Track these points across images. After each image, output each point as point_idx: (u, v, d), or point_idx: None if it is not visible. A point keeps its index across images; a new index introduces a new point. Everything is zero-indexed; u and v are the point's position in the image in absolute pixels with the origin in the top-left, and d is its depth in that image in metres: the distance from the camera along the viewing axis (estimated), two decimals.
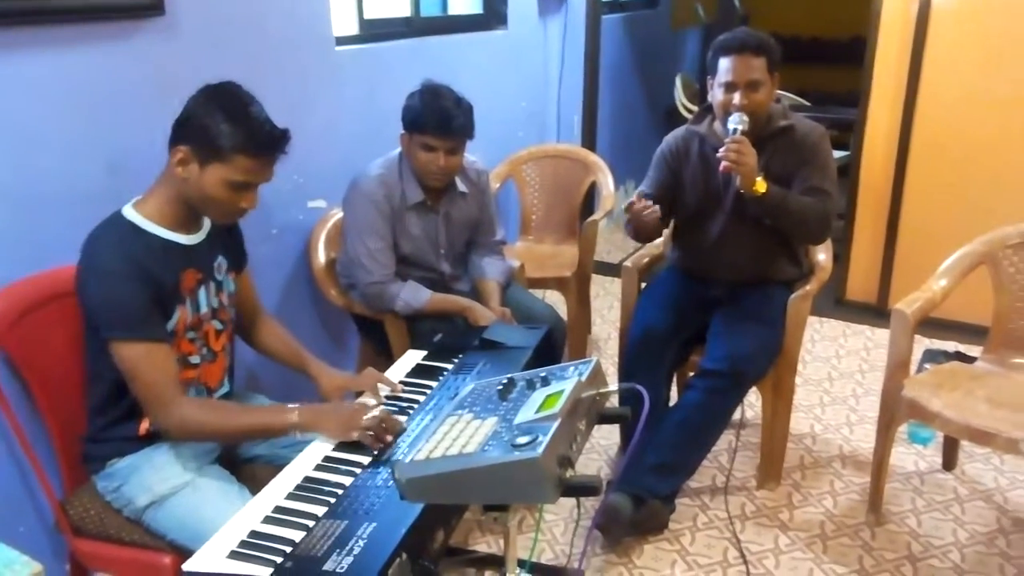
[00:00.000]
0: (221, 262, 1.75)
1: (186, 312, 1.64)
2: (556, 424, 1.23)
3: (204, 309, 1.69)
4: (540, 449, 1.16)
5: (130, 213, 1.60)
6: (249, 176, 1.57)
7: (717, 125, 2.39)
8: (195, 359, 1.69)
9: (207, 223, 1.71)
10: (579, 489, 1.22)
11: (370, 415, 1.59)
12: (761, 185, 2.22)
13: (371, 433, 1.57)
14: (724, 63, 2.28)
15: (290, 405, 1.64)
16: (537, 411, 1.30)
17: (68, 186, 1.87)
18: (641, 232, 2.39)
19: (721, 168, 2.21)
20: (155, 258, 1.57)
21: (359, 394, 1.85)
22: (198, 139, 1.54)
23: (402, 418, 1.67)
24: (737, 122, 2.22)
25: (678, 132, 2.54)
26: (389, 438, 1.58)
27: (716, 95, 2.32)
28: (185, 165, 1.56)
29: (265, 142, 1.56)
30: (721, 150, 2.21)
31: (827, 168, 2.36)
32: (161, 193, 1.62)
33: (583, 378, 1.38)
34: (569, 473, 1.21)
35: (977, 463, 2.65)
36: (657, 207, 2.25)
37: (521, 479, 1.17)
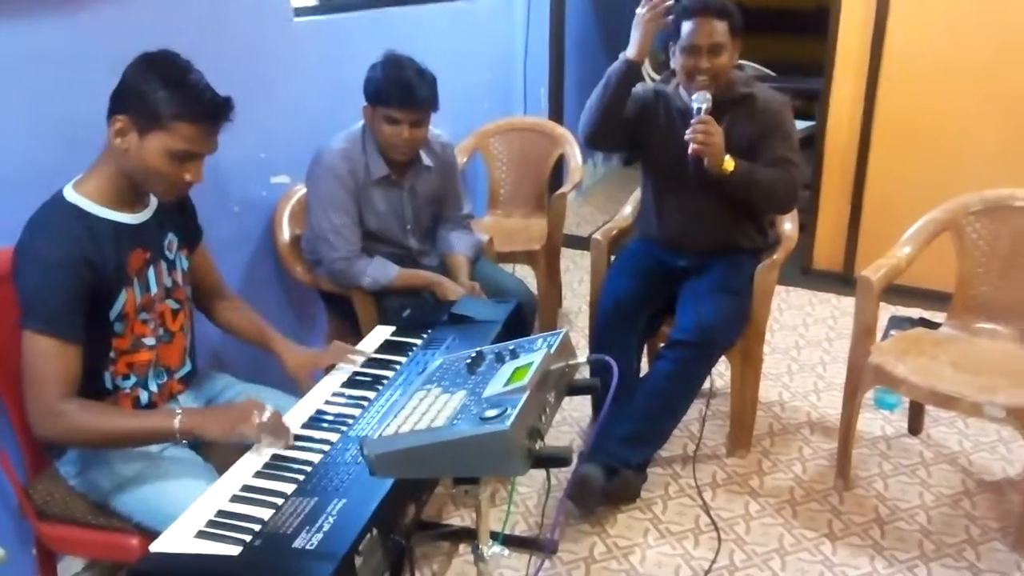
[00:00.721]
0: (172, 239, 1.71)
1: (133, 293, 1.59)
2: (525, 396, 1.22)
3: (155, 289, 1.64)
4: (509, 422, 1.16)
5: (71, 195, 1.54)
6: (191, 145, 1.51)
7: (681, 90, 2.38)
8: (150, 340, 1.64)
9: (153, 201, 1.66)
10: (549, 460, 1.22)
11: (261, 418, 1.50)
12: (729, 163, 2.22)
13: (265, 436, 1.50)
14: (687, 26, 2.26)
15: (177, 410, 1.56)
16: (506, 384, 1.29)
17: (24, 163, 1.81)
18: (603, 120, 2.33)
19: (690, 151, 2.20)
20: (98, 242, 1.51)
21: (329, 369, 1.83)
22: (136, 107, 1.49)
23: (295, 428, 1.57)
24: (701, 101, 2.21)
25: (646, 85, 2.52)
26: (286, 443, 1.50)
27: (679, 59, 2.31)
28: (124, 135, 1.50)
29: (206, 109, 1.51)
30: (687, 132, 2.20)
31: (791, 138, 2.37)
32: (102, 170, 1.56)
33: (552, 350, 1.37)
34: (539, 445, 1.21)
35: (942, 427, 2.70)
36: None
37: (491, 452, 1.16)
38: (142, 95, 1.48)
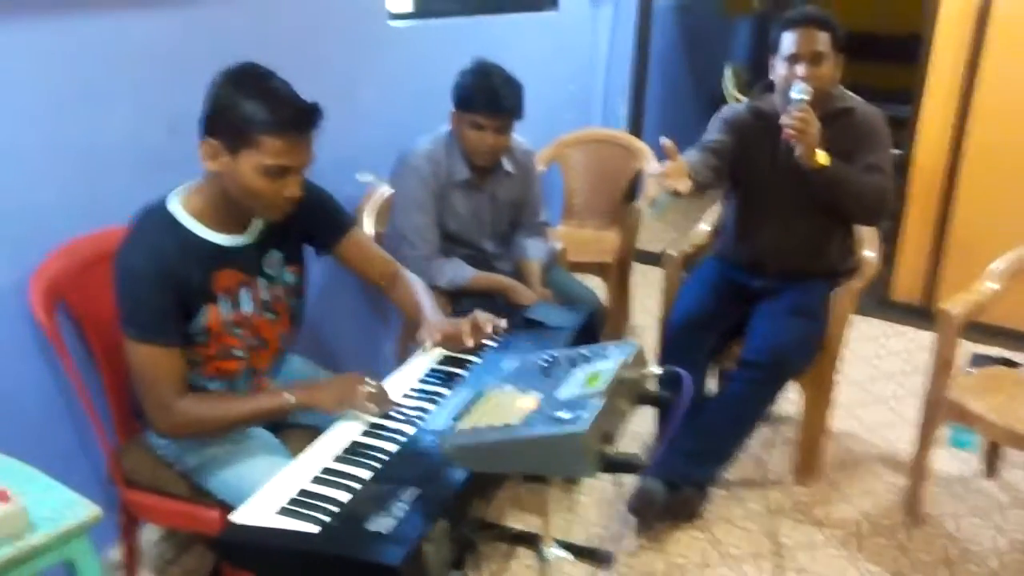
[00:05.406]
0: (274, 257, 1.71)
1: (218, 311, 1.60)
2: (600, 401, 1.25)
3: (248, 308, 1.66)
4: (584, 424, 1.18)
5: (174, 205, 1.57)
6: (282, 159, 1.48)
7: (777, 99, 2.34)
8: (239, 352, 1.68)
9: (257, 223, 1.65)
10: (620, 465, 1.24)
11: (366, 390, 1.56)
12: (823, 157, 2.18)
13: (371, 404, 1.55)
14: (789, 36, 2.25)
15: (286, 390, 1.62)
16: (581, 388, 1.31)
17: (130, 146, 1.92)
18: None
19: (783, 135, 2.18)
20: (187, 258, 1.54)
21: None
22: (223, 127, 1.48)
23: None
24: (800, 92, 2.17)
25: (738, 106, 2.51)
26: (388, 410, 1.56)
27: (779, 69, 2.29)
28: (216, 158, 1.50)
29: (291, 118, 1.47)
30: (783, 117, 2.18)
31: (885, 149, 2.34)
32: (205, 190, 1.57)
33: (627, 358, 1.39)
34: (610, 449, 1.23)
35: (1019, 471, 2.60)
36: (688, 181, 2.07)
37: (564, 452, 1.19)
38: (226, 113, 1.47)
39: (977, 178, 3.45)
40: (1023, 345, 3.13)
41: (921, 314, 3.60)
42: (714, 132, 2.45)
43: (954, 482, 2.55)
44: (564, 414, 1.23)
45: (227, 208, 1.58)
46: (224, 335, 1.64)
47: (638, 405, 1.45)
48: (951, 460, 2.65)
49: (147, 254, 1.51)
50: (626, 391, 1.36)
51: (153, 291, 1.51)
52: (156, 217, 1.56)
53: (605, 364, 1.37)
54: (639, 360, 1.43)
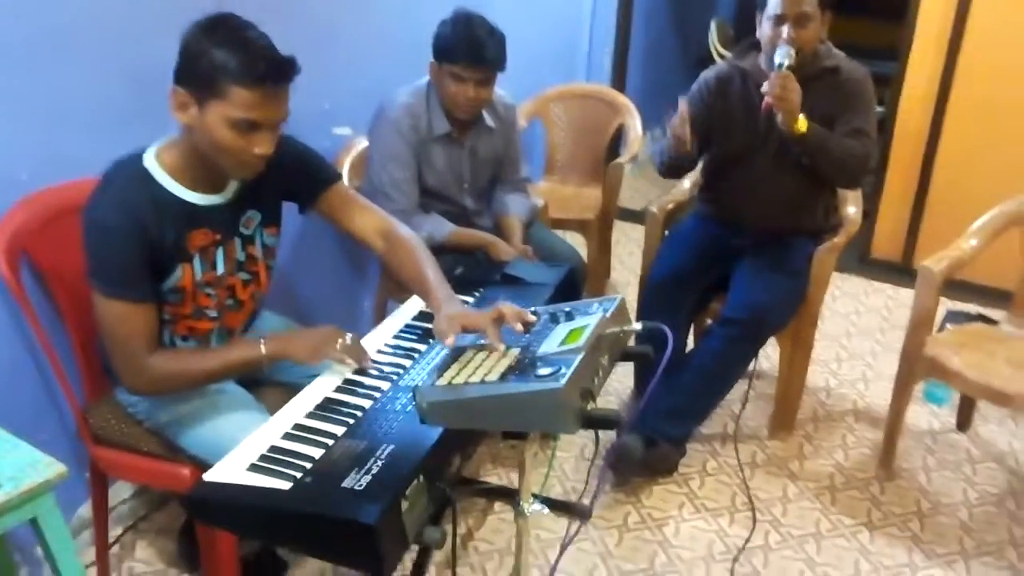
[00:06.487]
0: (251, 216, 1.65)
1: (192, 270, 1.56)
2: (580, 357, 1.23)
3: (222, 268, 1.61)
4: (563, 380, 1.17)
5: (149, 160, 1.51)
6: (252, 112, 1.40)
7: (763, 59, 2.32)
8: (212, 312, 1.64)
9: (235, 184, 1.59)
10: (599, 422, 1.23)
11: (342, 342, 1.52)
12: (803, 124, 2.16)
13: (347, 357, 1.52)
14: None
15: (259, 339, 1.57)
16: (561, 344, 1.29)
17: (96, 98, 1.85)
18: (674, 163, 2.34)
19: (764, 104, 2.15)
20: (160, 214, 1.48)
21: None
22: (192, 76, 1.40)
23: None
24: (784, 56, 2.15)
25: (720, 66, 2.47)
26: (365, 363, 1.52)
27: (764, 29, 2.25)
28: (185, 109, 1.43)
29: (263, 69, 1.38)
30: (765, 85, 2.15)
31: (869, 111, 2.32)
32: (179, 146, 1.51)
33: (607, 315, 1.37)
34: (590, 406, 1.21)
35: (991, 425, 2.64)
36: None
37: (543, 409, 1.18)
38: (196, 61, 1.39)
39: (960, 136, 3.44)
40: (996, 302, 3.14)
41: (901, 271, 3.62)
42: (687, 104, 2.42)
43: (926, 436, 2.58)
44: (543, 370, 1.21)
45: (202, 166, 1.51)
46: (197, 295, 1.60)
47: (619, 361, 1.44)
48: (924, 414, 2.68)
49: (118, 208, 1.46)
50: (607, 347, 1.35)
51: (123, 246, 1.46)
52: (130, 171, 1.51)
53: (586, 320, 1.36)
54: (621, 315, 1.41)
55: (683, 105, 2.19)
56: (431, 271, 1.66)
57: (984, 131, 3.38)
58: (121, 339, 1.50)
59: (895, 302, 3.46)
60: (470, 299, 1.94)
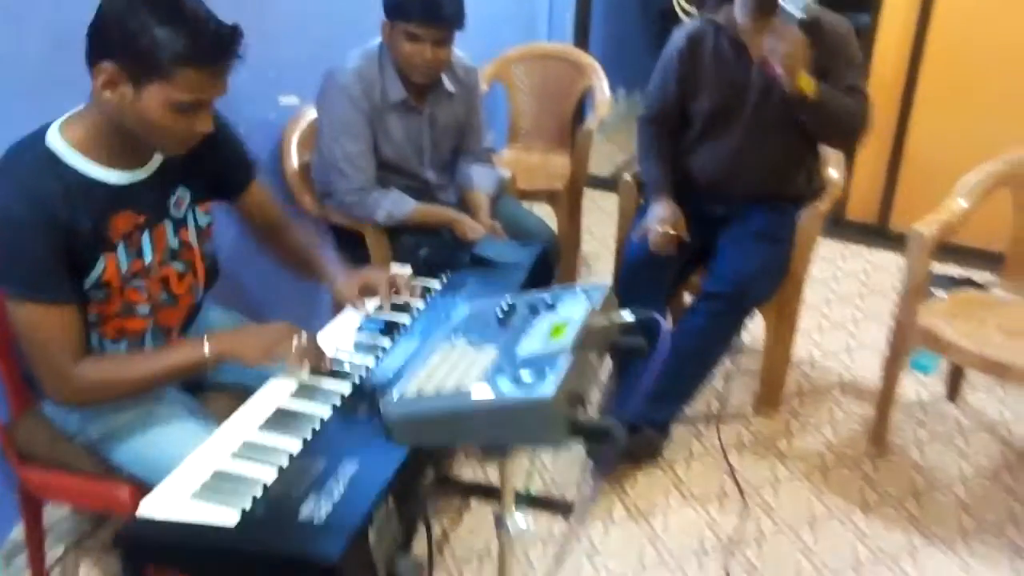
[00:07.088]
0: (181, 195, 1.48)
1: (116, 261, 1.37)
2: (568, 358, 1.07)
3: (150, 256, 1.43)
4: (551, 388, 1.01)
5: (54, 137, 1.31)
6: (199, 93, 1.27)
7: (737, 10, 2.15)
8: (144, 308, 1.45)
9: (157, 157, 1.42)
10: (593, 432, 1.08)
11: (298, 341, 1.38)
12: (809, 84, 2.00)
13: (304, 359, 1.39)
14: None
15: (201, 338, 1.41)
16: (545, 341, 1.13)
17: (7, 62, 1.64)
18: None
19: (764, 64, 2.00)
20: (72, 201, 1.29)
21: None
22: (126, 52, 1.23)
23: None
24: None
25: (689, 26, 2.29)
26: (323, 366, 1.40)
27: None
28: (114, 87, 1.25)
29: (211, 46, 1.25)
30: (766, 40, 1.97)
31: (860, 65, 2.19)
32: (91, 119, 1.32)
33: (596, 305, 1.22)
34: (581, 414, 1.06)
35: (980, 394, 2.56)
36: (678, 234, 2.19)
37: (529, 422, 1.02)
38: (132, 37, 1.22)
39: (936, 92, 3.32)
40: (981, 263, 3.07)
41: (876, 233, 3.53)
42: (660, 79, 2.31)
43: (915, 407, 2.49)
44: (527, 375, 1.05)
45: (120, 140, 1.33)
46: (125, 289, 1.41)
47: (608, 356, 1.29)
48: (912, 384, 2.59)
49: (23, 199, 1.26)
50: (596, 342, 1.19)
51: (33, 242, 1.26)
52: (33, 154, 1.30)
53: (571, 312, 1.19)
54: (609, 305, 1.26)
55: (659, 227, 2.18)
56: (321, 245, 1.70)
57: (960, 88, 3.27)
58: (40, 346, 1.32)
59: (872, 266, 3.36)
60: (437, 284, 1.77)
